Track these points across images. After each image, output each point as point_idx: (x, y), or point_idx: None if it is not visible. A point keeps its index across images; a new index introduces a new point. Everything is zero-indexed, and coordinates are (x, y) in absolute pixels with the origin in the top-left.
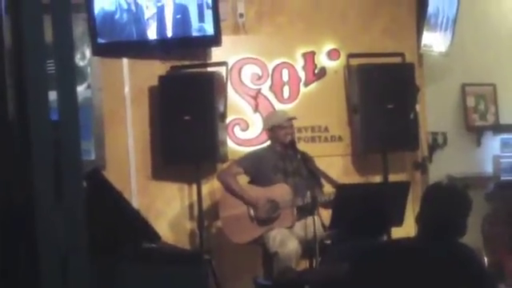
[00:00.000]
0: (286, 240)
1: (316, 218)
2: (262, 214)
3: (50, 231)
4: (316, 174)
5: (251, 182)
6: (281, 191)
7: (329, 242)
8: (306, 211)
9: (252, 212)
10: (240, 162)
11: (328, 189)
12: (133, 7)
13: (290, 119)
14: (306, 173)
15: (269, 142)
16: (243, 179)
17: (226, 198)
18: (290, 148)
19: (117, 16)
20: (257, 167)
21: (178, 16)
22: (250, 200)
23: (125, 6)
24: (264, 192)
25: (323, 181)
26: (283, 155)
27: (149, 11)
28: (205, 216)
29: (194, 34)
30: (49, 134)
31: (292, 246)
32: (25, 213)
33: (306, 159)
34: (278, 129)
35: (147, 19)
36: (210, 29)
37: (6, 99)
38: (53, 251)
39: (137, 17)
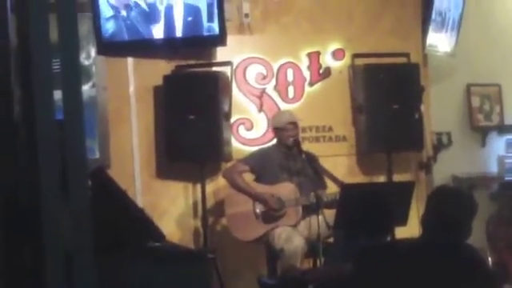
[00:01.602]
0: (291, 236)
1: (320, 217)
2: (271, 207)
3: (55, 230)
4: (321, 174)
5: (256, 180)
6: (286, 189)
7: (332, 241)
8: (310, 210)
9: (257, 209)
10: (246, 160)
11: (332, 188)
12: (138, 6)
13: (292, 123)
14: (312, 173)
15: (275, 141)
16: (249, 178)
17: (232, 195)
18: (295, 148)
19: (122, 15)
20: (262, 165)
21: (190, 18)
22: (257, 195)
23: (130, 5)
24: (270, 190)
25: (328, 180)
26: (288, 155)
27: (155, 10)
28: (209, 215)
29: (204, 33)
30: (54, 133)
31: (297, 242)
32: (30, 212)
33: (311, 159)
34: (280, 130)
35: (153, 18)
36: (217, 28)
37: (12, 98)
38: (58, 250)
39: (142, 16)
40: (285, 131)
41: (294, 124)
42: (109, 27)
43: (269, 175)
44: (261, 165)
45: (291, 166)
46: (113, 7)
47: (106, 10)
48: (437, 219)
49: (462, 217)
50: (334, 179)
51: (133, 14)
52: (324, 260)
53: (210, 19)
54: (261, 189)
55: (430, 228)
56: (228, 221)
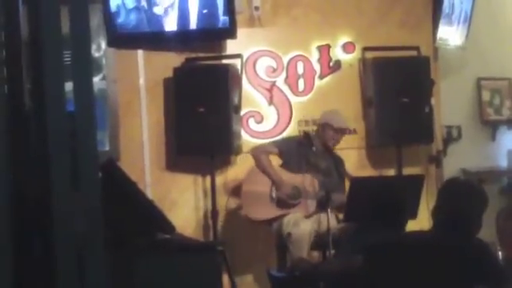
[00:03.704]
0: (299, 221)
1: (329, 211)
2: (283, 195)
3: (66, 223)
4: (344, 178)
5: (282, 166)
6: (307, 182)
7: (343, 234)
8: (323, 207)
9: (273, 193)
10: (277, 143)
11: None
12: None
13: (344, 130)
14: (336, 175)
15: (288, 133)
16: (276, 162)
17: (253, 173)
18: (327, 148)
19: (133, 7)
20: (292, 154)
21: (205, 10)
22: (276, 179)
23: None
24: (291, 177)
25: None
26: (318, 152)
27: (167, 1)
28: (218, 207)
29: (220, 26)
30: (65, 125)
31: (304, 226)
32: (41, 205)
33: (339, 162)
34: (329, 128)
35: (165, 9)
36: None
37: (23, 90)
38: (69, 242)
39: (153, 8)
40: (335, 133)
41: (342, 133)
42: (132, 18)
43: (295, 165)
44: (290, 152)
45: (319, 163)
46: None
47: (128, 1)
48: (447, 212)
49: (473, 210)
50: None
51: (144, 4)
52: (334, 253)
53: (226, 12)
54: (284, 175)
55: (440, 221)
56: (243, 196)
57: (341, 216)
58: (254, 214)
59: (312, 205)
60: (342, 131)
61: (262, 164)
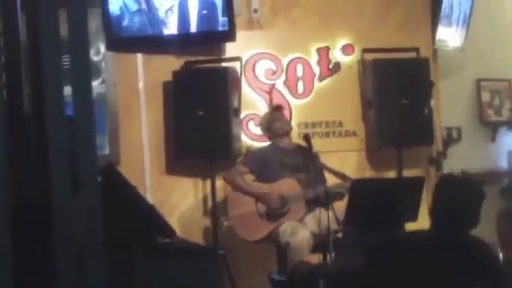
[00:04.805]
0: (296, 229)
1: (330, 212)
2: (273, 206)
3: (65, 226)
4: (321, 170)
5: (257, 180)
6: (288, 186)
7: (342, 235)
8: (316, 204)
9: (260, 209)
10: (244, 162)
11: (337, 180)
12: (148, 1)
13: (275, 109)
14: (313, 169)
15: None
16: (249, 179)
17: (234, 197)
18: (297, 146)
19: (132, 10)
20: (262, 165)
21: (205, 11)
22: (259, 194)
23: (140, 0)
24: (271, 188)
25: (331, 175)
26: (286, 151)
27: (167, 4)
28: (219, 211)
29: (220, 28)
30: (64, 129)
31: (302, 234)
32: (41, 208)
33: (313, 156)
34: (270, 128)
35: (165, 12)
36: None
37: (22, 94)
38: (69, 246)
39: (154, 10)
40: (274, 122)
41: (278, 110)
42: (135, 21)
43: (269, 174)
44: (260, 164)
45: (291, 162)
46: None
47: (131, 4)
48: (444, 208)
49: (469, 204)
50: (339, 175)
51: (143, 8)
52: (334, 255)
53: (225, 13)
54: (262, 188)
55: (437, 218)
56: (232, 223)
57: (339, 215)
58: (250, 236)
59: (301, 207)
60: (275, 113)
61: (238, 185)
